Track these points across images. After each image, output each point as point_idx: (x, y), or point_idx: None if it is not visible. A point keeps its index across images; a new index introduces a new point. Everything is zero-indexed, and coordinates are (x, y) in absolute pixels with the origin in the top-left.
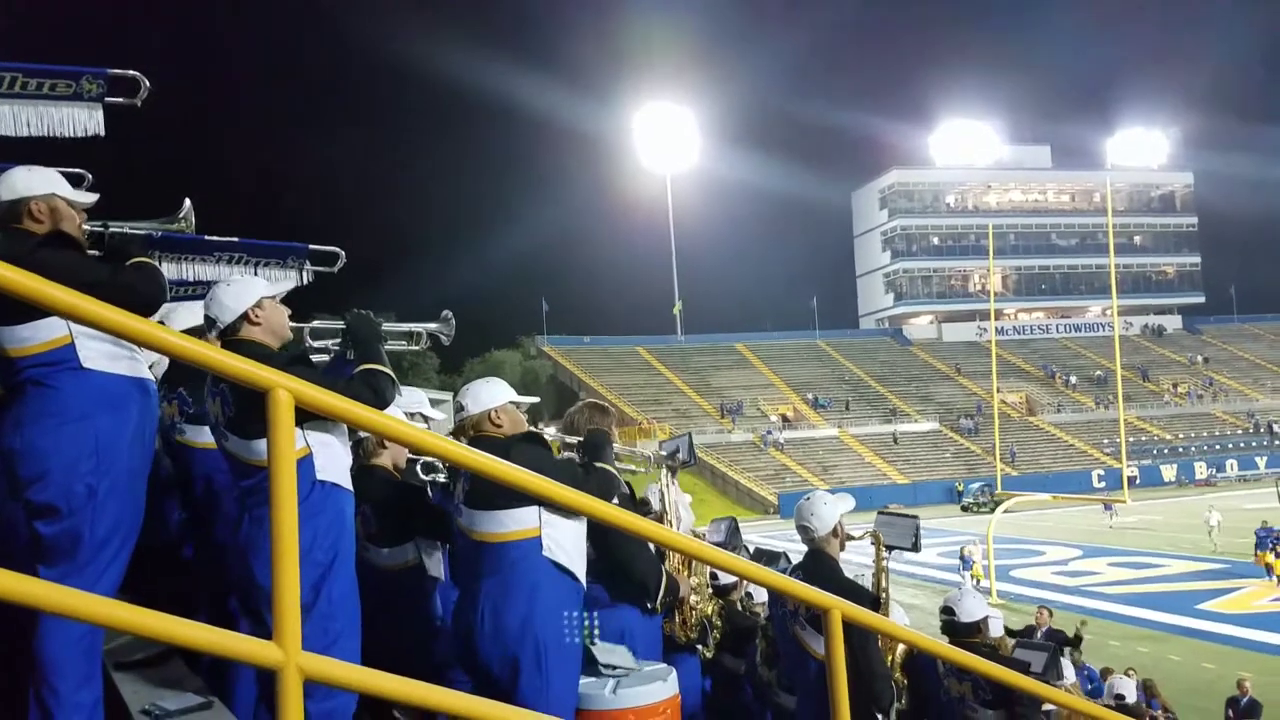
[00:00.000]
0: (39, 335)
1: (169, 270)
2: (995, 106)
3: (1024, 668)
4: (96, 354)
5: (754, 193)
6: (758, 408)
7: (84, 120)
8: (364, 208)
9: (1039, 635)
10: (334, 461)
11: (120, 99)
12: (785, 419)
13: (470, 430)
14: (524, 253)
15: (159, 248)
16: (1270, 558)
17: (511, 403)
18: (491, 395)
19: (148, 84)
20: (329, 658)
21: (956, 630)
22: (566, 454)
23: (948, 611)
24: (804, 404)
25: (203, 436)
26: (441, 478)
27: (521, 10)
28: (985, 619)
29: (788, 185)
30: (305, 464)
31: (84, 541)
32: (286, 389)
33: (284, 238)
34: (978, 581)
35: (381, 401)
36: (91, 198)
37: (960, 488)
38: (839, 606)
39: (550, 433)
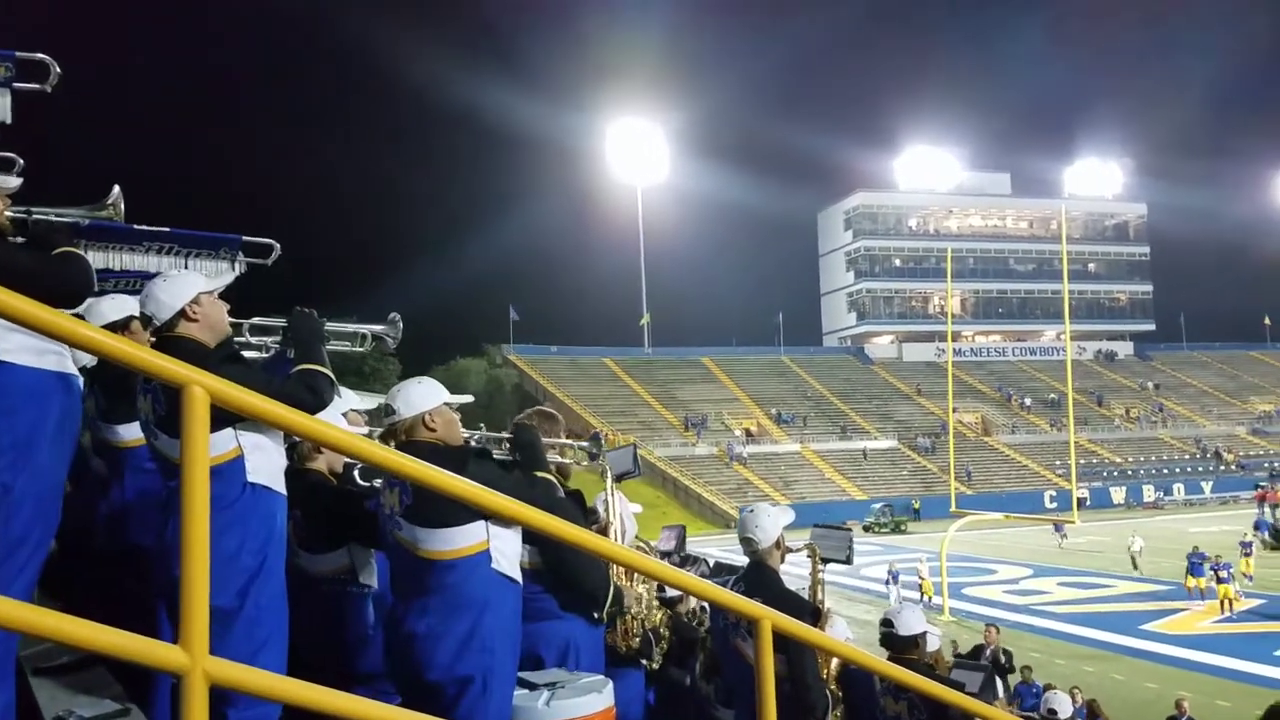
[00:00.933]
0: None
1: (96, 259)
2: (958, 134)
3: (959, 688)
4: (17, 347)
5: (723, 209)
6: (722, 422)
7: None
8: (334, 213)
9: (987, 653)
10: (266, 464)
11: (31, 85)
12: (749, 433)
13: (402, 435)
14: (493, 261)
15: (86, 236)
16: (1204, 583)
17: (445, 404)
18: (424, 397)
19: (58, 69)
20: (238, 663)
21: (894, 643)
22: (502, 457)
23: (887, 624)
24: (767, 419)
25: (129, 435)
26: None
27: (495, 21)
28: (923, 634)
29: (756, 203)
30: (236, 465)
31: None
32: (203, 386)
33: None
34: (928, 599)
35: (320, 403)
36: (13, 183)
37: (917, 505)
38: (769, 617)
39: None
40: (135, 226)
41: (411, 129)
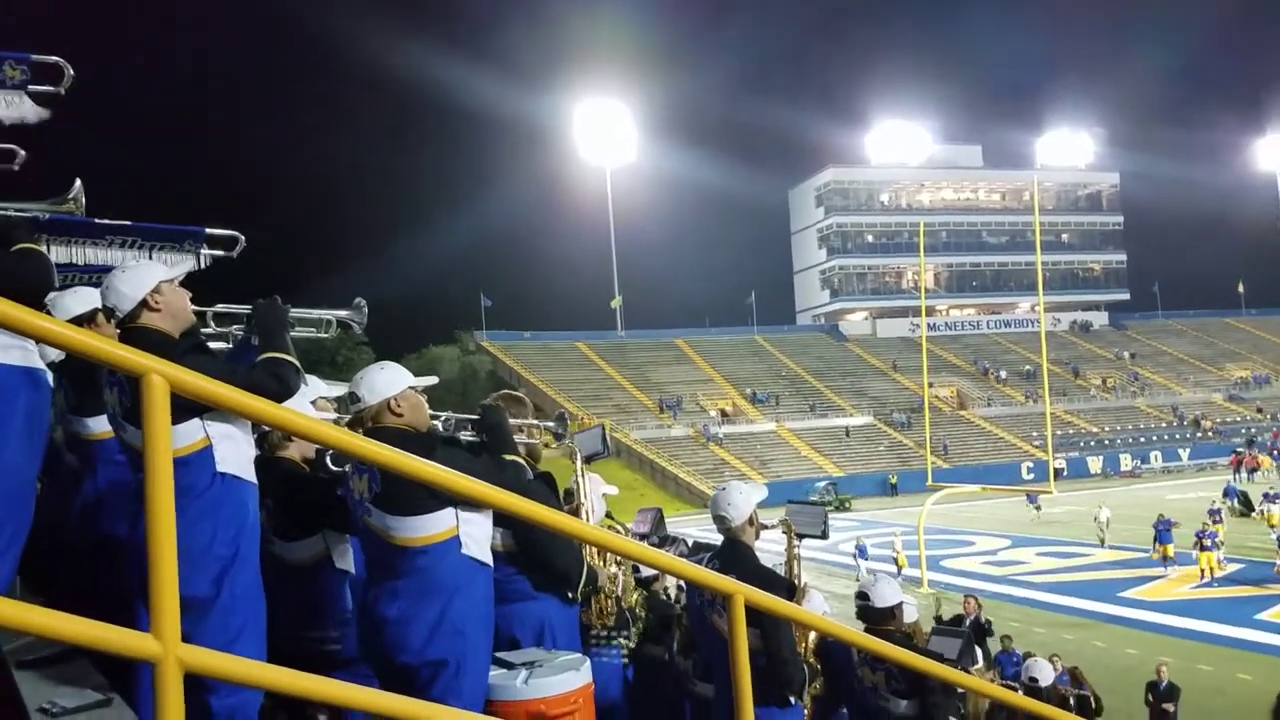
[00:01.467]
0: None
1: (58, 254)
2: (929, 107)
3: (937, 657)
4: None
5: (693, 189)
6: (697, 403)
7: (5, 103)
8: (297, 200)
9: (966, 623)
10: (236, 453)
11: (45, 86)
12: (724, 414)
13: (369, 421)
14: (463, 247)
15: (46, 231)
16: (1171, 550)
17: (410, 388)
18: (388, 383)
19: (71, 71)
20: (212, 650)
21: (870, 615)
22: (468, 437)
23: (862, 597)
24: (742, 399)
25: (99, 427)
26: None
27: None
28: (899, 605)
29: (727, 182)
30: (205, 455)
31: None
32: (162, 375)
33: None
34: (900, 571)
35: (285, 391)
36: None
37: (894, 480)
38: (742, 592)
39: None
40: (96, 220)
41: (373, 113)
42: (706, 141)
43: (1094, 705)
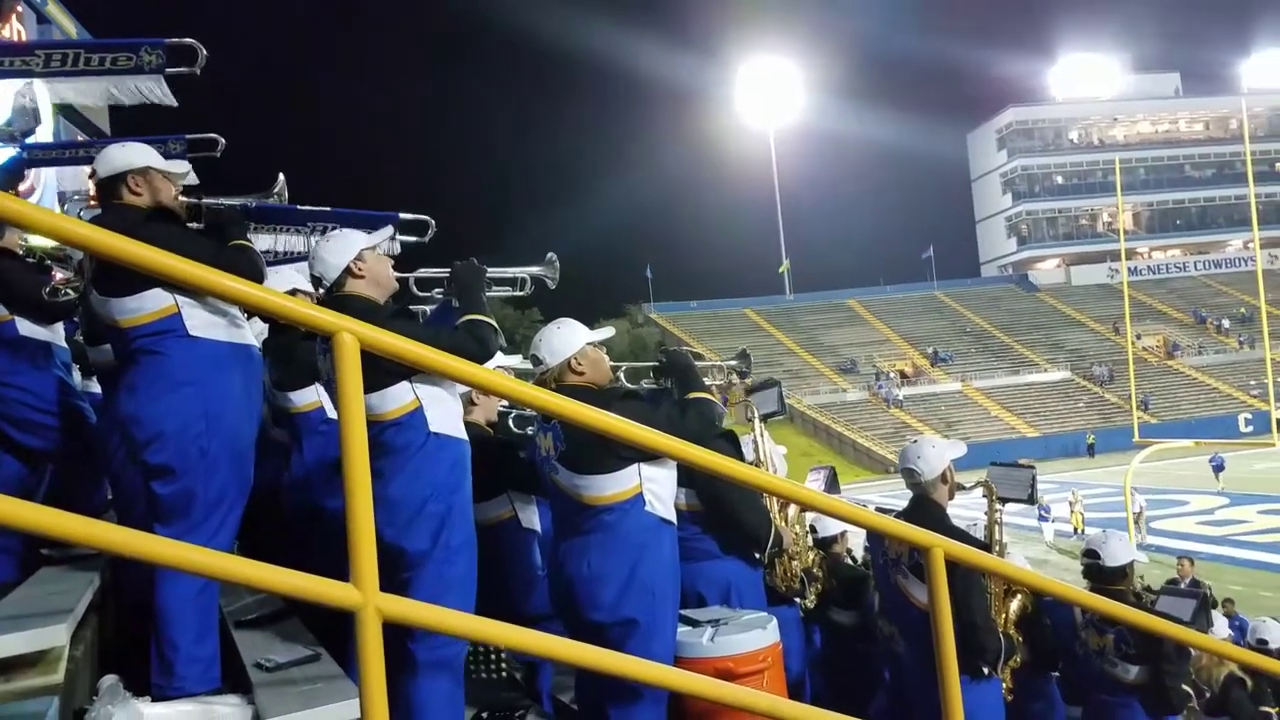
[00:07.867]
0: (147, 306)
1: (263, 241)
2: (1117, 36)
3: (1169, 618)
4: (202, 322)
5: (860, 142)
6: (874, 365)
7: (148, 90)
8: (458, 177)
9: (1181, 586)
10: (445, 413)
11: (180, 69)
12: (904, 375)
13: (552, 384)
14: (626, 218)
15: (253, 218)
16: None
17: (589, 344)
18: (566, 342)
19: (205, 52)
20: (408, 600)
21: (1101, 575)
22: (652, 387)
23: (1091, 554)
24: (923, 359)
25: (301, 400)
26: (532, 430)
27: None
28: (1132, 563)
29: (896, 132)
30: (417, 416)
31: (197, 501)
32: (351, 333)
33: (377, 200)
34: (1080, 532)
35: (486, 352)
36: (183, 167)
37: (1091, 439)
38: (941, 545)
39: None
40: (299, 207)
41: (537, 83)
42: (874, 91)
43: None
